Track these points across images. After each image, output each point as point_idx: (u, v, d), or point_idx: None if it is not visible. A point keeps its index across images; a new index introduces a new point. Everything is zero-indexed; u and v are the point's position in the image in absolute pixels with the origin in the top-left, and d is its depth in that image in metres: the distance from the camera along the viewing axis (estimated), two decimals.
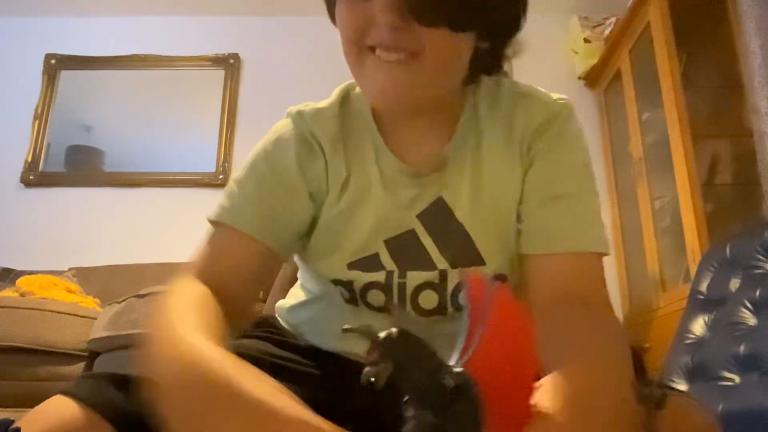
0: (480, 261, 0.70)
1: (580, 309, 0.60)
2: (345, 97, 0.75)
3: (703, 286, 1.58)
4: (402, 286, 0.70)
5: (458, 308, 0.71)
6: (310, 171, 0.70)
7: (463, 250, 0.70)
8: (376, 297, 0.71)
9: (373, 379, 0.35)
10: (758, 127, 1.77)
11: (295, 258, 0.79)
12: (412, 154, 0.71)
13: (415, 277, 0.70)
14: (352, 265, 0.71)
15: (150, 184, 3.04)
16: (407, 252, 0.70)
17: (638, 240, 2.52)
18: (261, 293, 1.91)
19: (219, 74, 3.20)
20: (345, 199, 0.71)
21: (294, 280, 0.84)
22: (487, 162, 0.70)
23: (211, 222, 0.69)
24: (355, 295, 0.72)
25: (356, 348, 0.67)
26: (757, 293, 1.41)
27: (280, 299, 0.85)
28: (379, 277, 0.70)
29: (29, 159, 3.08)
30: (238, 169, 0.73)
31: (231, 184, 0.71)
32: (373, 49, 0.62)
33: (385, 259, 0.70)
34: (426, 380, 0.36)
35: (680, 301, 1.79)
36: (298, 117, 0.72)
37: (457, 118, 0.72)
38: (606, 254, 0.67)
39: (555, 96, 0.72)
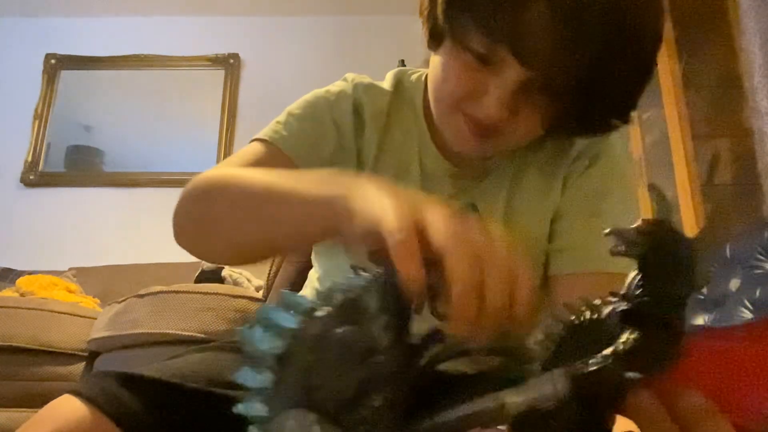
0: None
1: None
2: (398, 83, 0.75)
3: None
4: None
5: None
6: (359, 137, 0.71)
7: None
8: None
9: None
10: (758, 127, 1.77)
11: (313, 256, 0.78)
12: (454, 156, 0.71)
13: None
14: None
15: (150, 184, 3.04)
16: None
17: None
18: (261, 292, 1.90)
19: (219, 74, 3.20)
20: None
21: (295, 279, 0.84)
22: (526, 183, 0.71)
23: (262, 141, 0.69)
24: None
25: None
26: (757, 293, 1.41)
27: None
28: None
29: (29, 159, 3.08)
30: (295, 104, 0.73)
31: (286, 116, 0.71)
32: (464, 110, 0.61)
33: None
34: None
35: None
36: (354, 85, 0.73)
37: None
38: None
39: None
